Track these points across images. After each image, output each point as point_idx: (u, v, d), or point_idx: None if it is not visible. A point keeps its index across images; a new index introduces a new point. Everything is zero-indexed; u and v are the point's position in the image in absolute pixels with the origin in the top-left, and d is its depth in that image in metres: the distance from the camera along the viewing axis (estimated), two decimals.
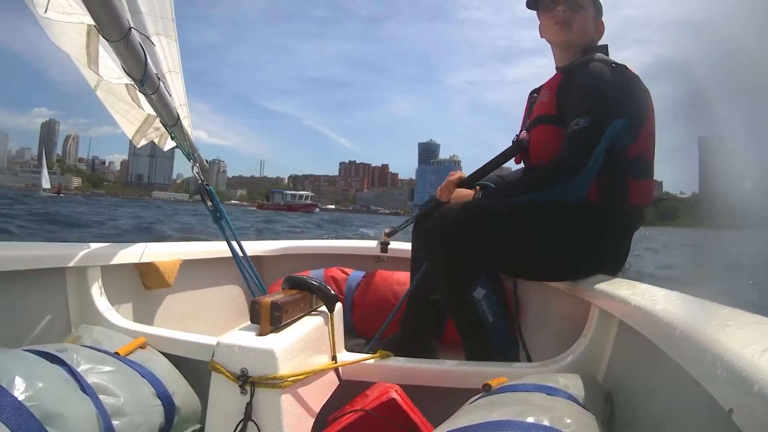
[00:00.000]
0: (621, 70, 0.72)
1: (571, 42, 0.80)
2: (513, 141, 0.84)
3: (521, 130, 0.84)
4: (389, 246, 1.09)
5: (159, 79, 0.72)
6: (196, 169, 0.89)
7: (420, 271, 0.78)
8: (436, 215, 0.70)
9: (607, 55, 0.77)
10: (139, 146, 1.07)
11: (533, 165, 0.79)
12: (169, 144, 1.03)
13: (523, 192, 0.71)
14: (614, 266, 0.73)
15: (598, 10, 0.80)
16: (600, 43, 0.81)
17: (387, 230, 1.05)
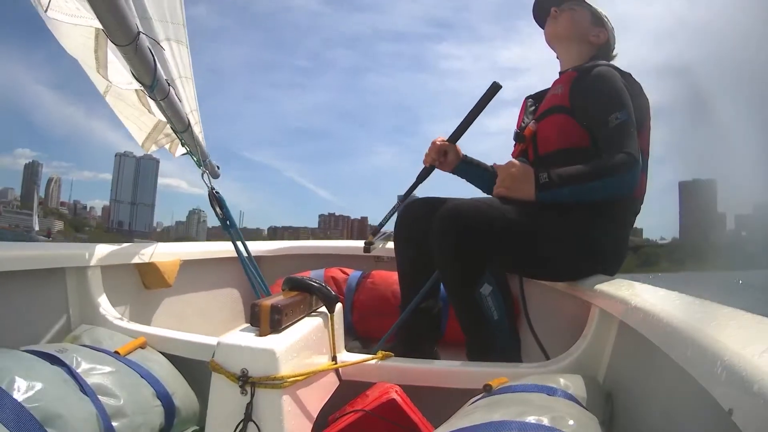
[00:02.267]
0: (627, 77, 0.76)
1: (557, 35, 0.83)
2: (514, 135, 0.84)
3: (518, 130, 0.84)
4: (388, 246, 1.09)
5: (169, 84, 0.72)
6: (206, 176, 0.89)
7: (428, 283, 0.76)
8: (449, 209, 0.68)
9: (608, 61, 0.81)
10: (148, 152, 1.07)
11: (540, 155, 0.79)
12: (180, 150, 1.04)
13: (588, 179, 0.68)
14: (615, 266, 0.74)
15: (597, 18, 0.83)
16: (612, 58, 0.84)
17: (372, 230, 1.05)
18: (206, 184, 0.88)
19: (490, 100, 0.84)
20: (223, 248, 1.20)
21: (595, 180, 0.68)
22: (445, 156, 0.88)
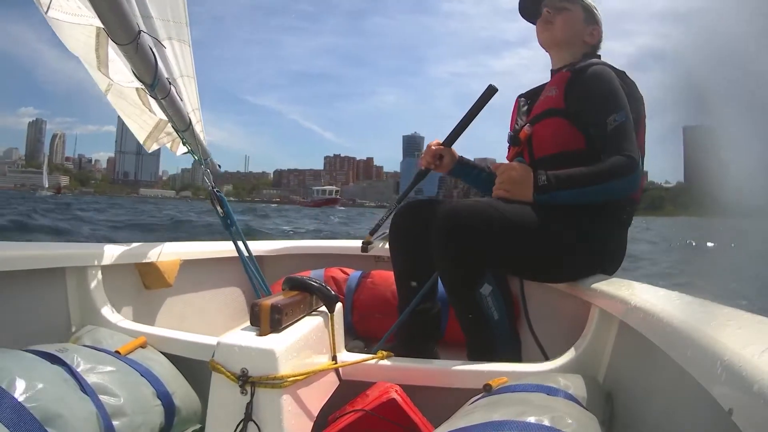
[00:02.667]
0: (622, 75, 0.75)
1: (555, 40, 0.82)
2: (508, 138, 0.84)
3: (511, 131, 0.84)
4: (386, 246, 1.09)
5: (170, 83, 0.72)
6: (208, 175, 0.89)
7: (427, 285, 0.76)
8: (447, 210, 0.68)
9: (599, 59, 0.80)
10: (150, 151, 1.07)
11: (536, 158, 0.78)
12: (182, 149, 1.03)
13: (588, 183, 0.68)
14: (614, 266, 0.74)
15: (590, 15, 0.82)
16: (599, 51, 0.83)
17: (371, 230, 1.05)
18: (208, 183, 0.88)
19: (485, 103, 0.84)
20: (224, 248, 1.19)
21: (595, 184, 0.68)
22: (441, 159, 0.88)
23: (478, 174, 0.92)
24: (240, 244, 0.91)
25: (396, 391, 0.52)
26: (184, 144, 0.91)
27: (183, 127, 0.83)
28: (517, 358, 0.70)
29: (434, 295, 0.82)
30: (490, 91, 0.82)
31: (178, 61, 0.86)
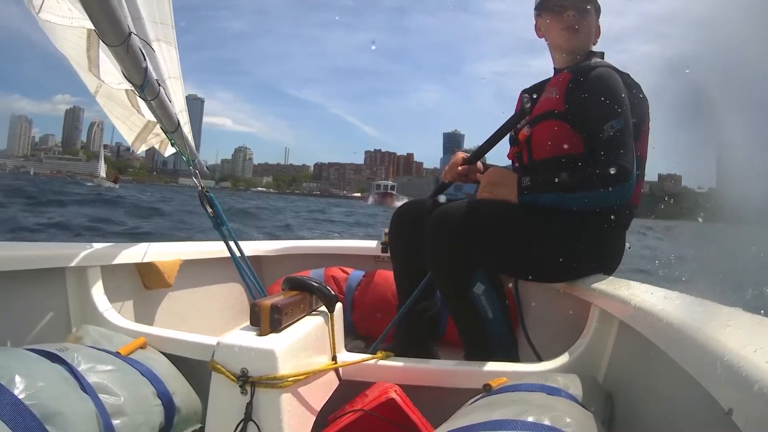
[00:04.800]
0: (626, 77, 0.74)
1: (577, 48, 0.80)
2: (509, 137, 0.83)
3: (513, 132, 0.83)
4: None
5: (159, 84, 0.72)
6: (197, 176, 0.88)
7: (422, 284, 0.77)
8: (438, 212, 0.69)
9: (604, 59, 0.79)
10: (138, 152, 1.07)
11: (535, 160, 0.78)
12: (170, 150, 1.04)
13: (573, 190, 0.67)
14: (612, 266, 0.74)
15: (598, 12, 0.81)
16: (596, 48, 0.82)
17: (386, 230, 1.05)
18: (196, 183, 0.88)
19: (516, 124, 0.81)
20: (224, 248, 1.20)
21: (580, 191, 0.67)
22: (466, 176, 0.88)
23: None
24: (232, 244, 0.91)
25: (395, 391, 0.52)
26: (172, 145, 0.91)
27: (171, 128, 0.83)
28: (515, 356, 0.70)
29: (433, 294, 0.82)
30: (522, 113, 0.80)
31: (165, 63, 0.86)
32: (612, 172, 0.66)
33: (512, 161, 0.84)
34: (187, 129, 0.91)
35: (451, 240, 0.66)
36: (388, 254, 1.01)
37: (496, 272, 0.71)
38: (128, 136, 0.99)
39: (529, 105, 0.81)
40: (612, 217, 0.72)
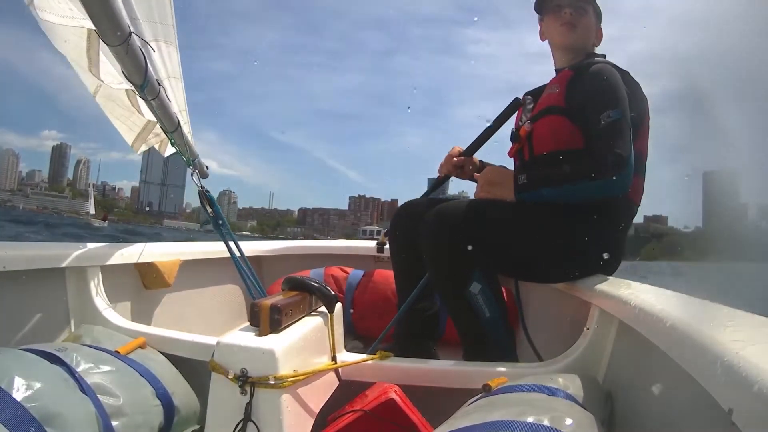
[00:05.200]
0: (626, 75, 0.74)
1: (575, 45, 0.81)
2: (511, 134, 0.83)
3: (515, 129, 0.84)
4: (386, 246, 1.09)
5: (159, 84, 0.72)
6: (196, 176, 0.88)
7: (421, 283, 0.77)
8: (435, 210, 0.69)
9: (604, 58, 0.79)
10: (138, 152, 1.07)
11: (536, 155, 0.78)
12: (170, 150, 1.03)
13: (570, 181, 0.67)
14: (613, 265, 0.73)
15: (599, 16, 0.82)
16: (597, 50, 0.83)
17: (384, 231, 1.05)
18: (195, 183, 0.88)
19: (509, 116, 0.83)
20: (223, 248, 1.19)
21: (577, 181, 0.66)
22: (462, 169, 0.88)
23: None
24: (231, 244, 0.91)
25: (395, 391, 0.52)
26: (172, 145, 0.91)
27: (171, 128, 0.82)
28: (513, 355, 0.70)
29: (432, 294, 0.82)
30: (515, 104, 0.82)
31: (165, 63, 0.86)
32: (608, 160, 0.65)
33: (513, 159, 0.84)
34: (187, 129, 0.91)
35: (447, 239, 0.66)
36: (384, 254, 1.00)
37: (493, 271, 0.71)
38: (128, 136, 0.98)
39: (531, 105, 0.82)
40: (612, 215, 0.71)
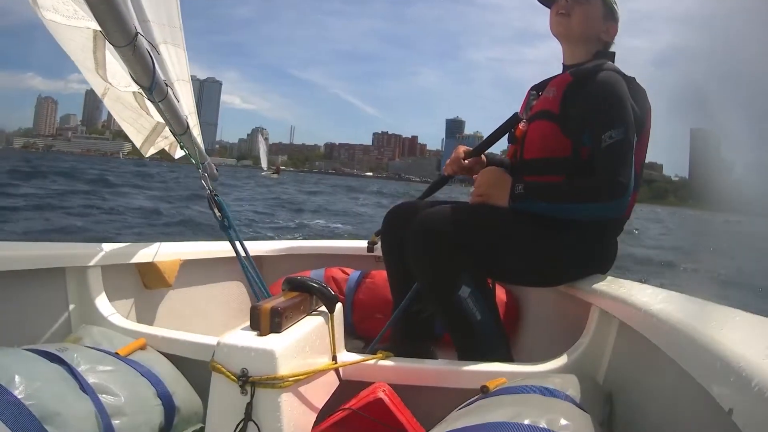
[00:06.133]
0: (631, 82, 0.71)
1: (571, 34, 0.78)
2: (509, 136, 0.82)
3: (513, 129, 0.82)
4: None
5: (167, 86, 0.72)
6: (206, 179, 0.87)
7: (414, 288, 0.76)
8: (419, 220, 0.68)
9: (613, 62, 0.76)
10: (147, 155, 1.07)
11: (525, 159, 0.77)
12: (179, 153, 1.03)
13: (567, 200, 0.66)
14: (604, 270, 0.73)
15: (609, 10, 0.77)
16: (612, 48, 0.79)
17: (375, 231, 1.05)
18: (205, 186, 0.88)
19: (508, 130, 0.81)
20: (223, 248, 1.19)
21: (574, 202, 0.66)
22: (470, 171, 0.86)
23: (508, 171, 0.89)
24: (238, 245, 0.91)
25: (384, 391, 0.52)
26: (181, 148, 0.91)
27: (180, 131, 0.83)
28: (507, 356, 0.69)
29: (424, 297, 0.80)
30: (514, 120, 0.80)
31: (173, 65, 0.85)
32: (607, 187, 0.64)
33: (512, 160, 0.83)
34: (196, 132, 0.91)
35: (430, 243, 0.65)
36: (375, 252, 0.99)
37: (482, 276, 0.70)
38: (137, 140, 0.98)
39: (534, 101, 0.79)
40: (604, 223, 0.70)
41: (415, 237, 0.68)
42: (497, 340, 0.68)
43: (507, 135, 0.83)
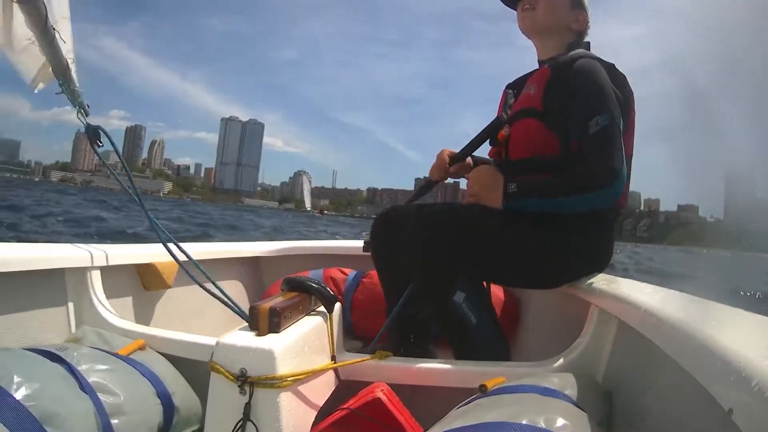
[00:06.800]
0: (610, 68, 0.69)
1: (539, 27, 0.76)
2: (490, 139, 0.80)
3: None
4: None
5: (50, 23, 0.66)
6: (81, 115, 0.80)
7: (407, 293, 0.75)
8: (419, 218, 0.67)
9: (589, 51, 0.75)
10: (36, 90, 0.86)
11: (511, 160, 0.75)
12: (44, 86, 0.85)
13: (562, 194, 0.64)
14: (602, 266, 0.72)
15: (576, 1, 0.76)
16: (586, 39, 0.78)
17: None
18: (81, 121, 0.81)
19: (494, 133, 0.78)
20: (223, 248, 1.19)
21: (569, 195, 0.64)
22: (456, 175, 0.86)
23: None
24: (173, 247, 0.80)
25: (382, 390, 0.51)
26: (60, 86, 0.79)
27: (60, 69, 0.74)
28: (505, 356, 0.69)
29: (419, 299, 0.79)
30: (497, 124, 0.77)
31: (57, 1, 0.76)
32: (599, 174, 0.62)
33: (497, 161, 0.82)
34: (73, 68, 0.80)
35: (425, 248, 0.65)
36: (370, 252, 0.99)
37: (478, 279, 0.70)
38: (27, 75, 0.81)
39: (512, 101, 0.77)
40: (598, 218, 0.69)
41: (411, 241, 0.67)
42: (494, 343, 0.68)
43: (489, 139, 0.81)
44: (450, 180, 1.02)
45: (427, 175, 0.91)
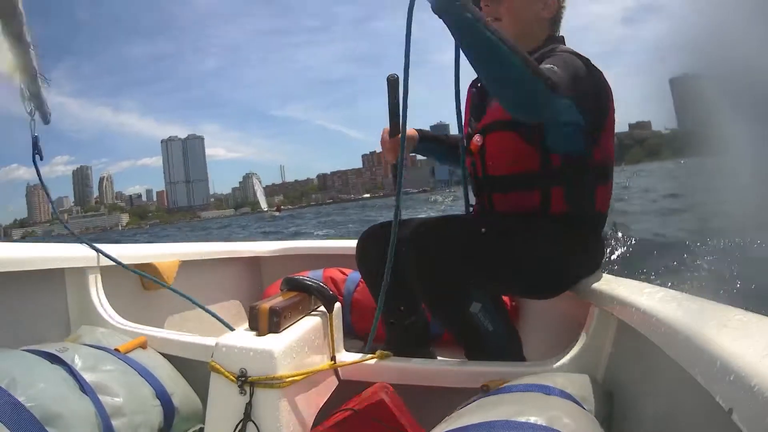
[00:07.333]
0: (588, 63, 0.65)
1: (511, 37, 0.66)
2: (462, 147, 0.76)
3: (466, 129, 0.76)
4: None
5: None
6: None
7: (380, 297, 0.69)
8: (416, 233, 0.65)
9: (565, 45, 0.71)
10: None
11: (490, 175, 0.71)
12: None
13: (512, 50, 0.53)
14: (596, 266, 0.72)
15: None
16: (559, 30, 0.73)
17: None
18: (31, 129, 0.78)
19: (397, 94, 0.71)
20: (222, 249, 1.19)
21: (513, 56, 0.53)
22: (413, 150, 0.82)
23: (440, 147, 0.85)
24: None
25: (386, 392, 0.52)
26: (25, 95, 0.76)
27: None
28: (520, 359, 0.69)
29: (417, 307, 0.79)
30: (393, 83, 0.70)
31: None
32: (547, 74, 0.54)
33: (470, 173, 0.77)
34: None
35: (433, 275, 0.62)
36: None
37: (487, 291, 0.67)
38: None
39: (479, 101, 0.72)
40: (587, 225, 0.69)
41: (413, 265, 0.63)
42: (510, 348, 0.67)
43: (460, 147, 0.77)
44: (420, 157, 0.99)
45: (373, 150, 0.90)
